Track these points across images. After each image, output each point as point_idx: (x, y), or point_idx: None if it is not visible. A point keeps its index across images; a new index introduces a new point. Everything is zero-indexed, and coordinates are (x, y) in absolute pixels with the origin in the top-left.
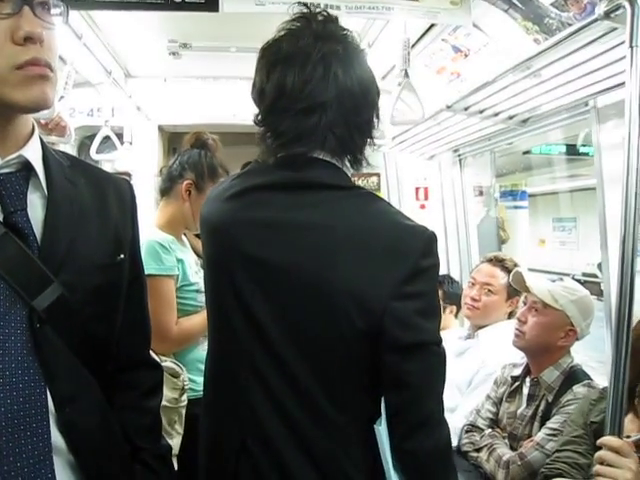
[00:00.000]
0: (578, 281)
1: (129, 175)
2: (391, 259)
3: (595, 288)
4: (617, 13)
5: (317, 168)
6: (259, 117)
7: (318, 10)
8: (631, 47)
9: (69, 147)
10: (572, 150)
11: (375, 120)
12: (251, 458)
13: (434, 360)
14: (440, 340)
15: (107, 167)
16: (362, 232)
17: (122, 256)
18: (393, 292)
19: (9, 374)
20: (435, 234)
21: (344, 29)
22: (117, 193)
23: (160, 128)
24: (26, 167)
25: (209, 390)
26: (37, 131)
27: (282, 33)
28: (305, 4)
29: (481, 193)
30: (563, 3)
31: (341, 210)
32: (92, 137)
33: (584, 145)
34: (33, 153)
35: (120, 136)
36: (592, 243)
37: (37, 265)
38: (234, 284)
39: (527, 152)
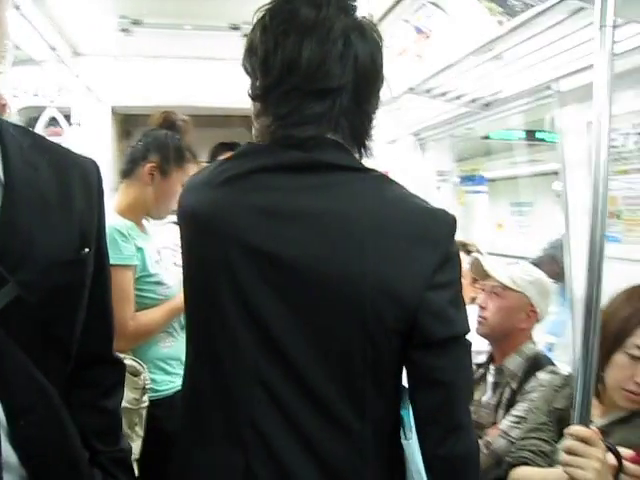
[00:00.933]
0: (536, 264)
1: None
2: (420, 247)
3: (553, 270)
4: None
5: (329, 149)
6: (257, 91)
7: None
8: (601, 27)
9: None
10: (530, 136)
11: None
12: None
13: (465, 353)
14: (469, 330)
15: None
16: (385, 219)
17: (87, 250)
18: (426, 282)
19: None
20: (455, 218)
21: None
22: (83, 177)
23: (113, 110)
24: None
25: (193, 414)
26: None
27: None
28: None
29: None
30: None
31: (358, 194)
32: (35, 119)
33: (541, 131)
34: None
35: (68, 117)
36: (547, 227)
37: None
38: (237, 285)
39: (486, 137)
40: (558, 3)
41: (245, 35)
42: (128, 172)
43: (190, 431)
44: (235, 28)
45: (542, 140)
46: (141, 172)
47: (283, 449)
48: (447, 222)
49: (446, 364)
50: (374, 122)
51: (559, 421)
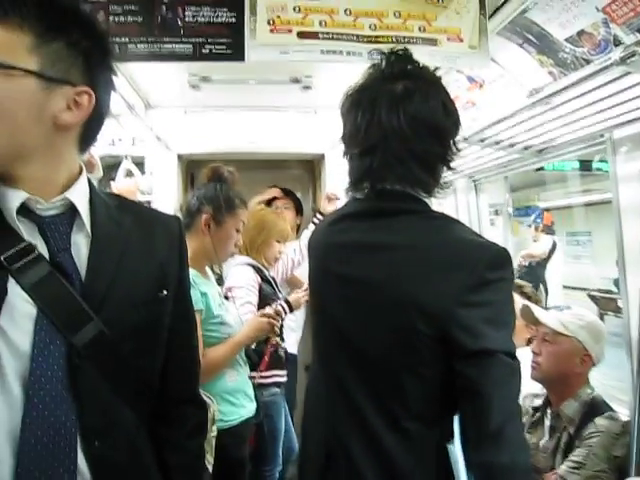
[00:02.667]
0: (594, 297)
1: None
2: (455, 271)
3: (612, 304)
4: (632, 60)
5: (390, 198)
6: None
7: (392, 49)
8: None
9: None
10: (585, 166)
11: (440, 148)
12: (334, 472)
13: (503, 370)
14: (511, 350)
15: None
16: (426, 248)
17: (165, 292)
18: (457, 300)
19: (42, 407)
20: (506, 251)
21: (414, 63)
22: (165, 231)
23: (179, 157)
24: (71, 209)
25: (305, 405)
26: (84, 173)
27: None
28: (382, 51)
29: (497, 212)
30: (577, 39)
31: (414, 231)
32: (111, 167)
33: (598, 161)
34: (78, 195)
35: (141, 165)
36: (606, 258)
37: (78, 302)
38: (322, 300)
39: (540, 169)
40: (608, 67)
41: (305, 87)
42: (187, 225)
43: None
44: (296, 81)
45: (599, 170)
46: (198, 224)
47: (352, 445)
48: (488, 251)
49: (479, 376)
50: (444, 159)
51: (619, 470)
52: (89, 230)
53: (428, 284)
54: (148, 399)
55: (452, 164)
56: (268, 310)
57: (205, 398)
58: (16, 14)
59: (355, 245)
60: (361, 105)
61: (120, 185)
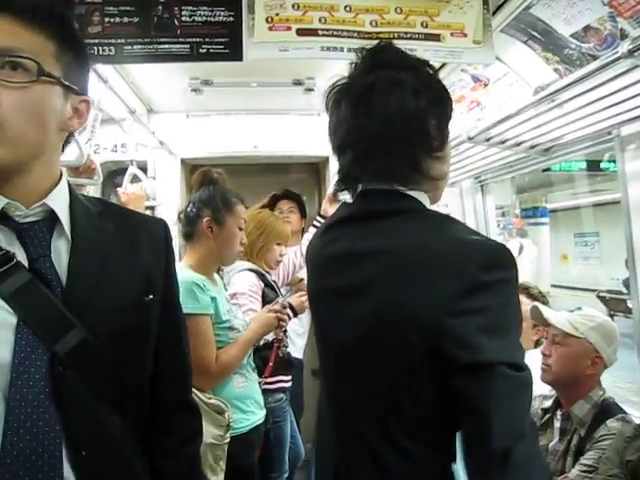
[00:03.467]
0: (603, 298)
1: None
2: (442, 275)
3: (621, 305)
4: None
5: (374, 198)
6: None
7: (372, 43)
8: None
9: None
10: (593, 166)
11: (416, 137)
12: None
13: (504, 383)
14: (514, 361)
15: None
16: (410, 253)
17: (151, 297)
18: (447, 308)
19: (24, 418)
20: (504, 247)
21: (393, 53)
22: (151, 236)
23: (182, 161)
24: (50, 215)
25: (319, 419)
26: (65, 179)
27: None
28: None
29: (503, 214)
30: (583, 35)
31: (395, 234)
32: (115, 172)
33: (607, 161)
34: (58, 201)
35: (144, 170)
36: (615, 258)
37: (59, 309)
38: (319, 317)
39: (547, 169)
40: (616, 60)
41: (307, 89)
42: (190, 234)
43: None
44: (298, 84)
45: (607, 170)
46: (200, 230)
47: (359, 470)
48: (480, 250)
49: (478, 392)
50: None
51: (632, 474)
52: (69, 236)
53: (416, 293)
54: (137, 406)
55: (456, 164)
56: (274, 305)
57: (220, 403)
58: (46, 22)
59: (345, 254)
60: (334, 103)
61: (128, 190)
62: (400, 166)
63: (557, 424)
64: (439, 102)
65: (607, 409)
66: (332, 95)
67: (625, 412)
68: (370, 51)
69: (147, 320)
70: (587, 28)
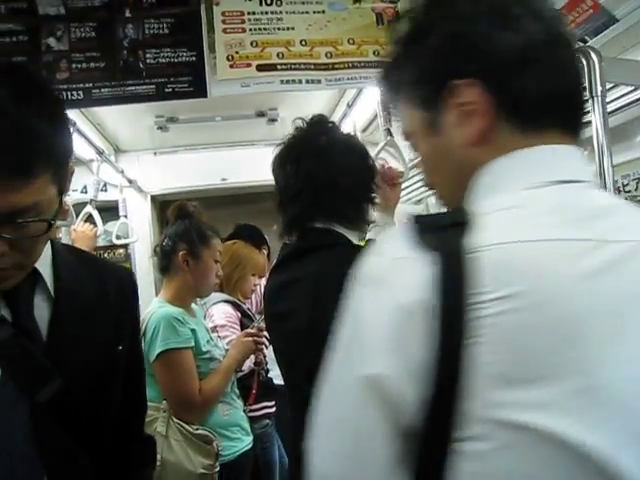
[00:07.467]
0: None
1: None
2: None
3: None
4: None
5: (313, 236)
6: None
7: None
8: (591, 97)
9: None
10: None
11: (362, 187)
12: None
13: None
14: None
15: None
16: (314, 280)
17: (120, 347)
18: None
19: (9, 465)
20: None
21: (331, 123)
22: (117, 286)
23: (153, 198)
24: (33, 273)
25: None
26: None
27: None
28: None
29: None
30: None
31: (315, 263)
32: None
33: None
34: (42, 260)
35: (115, 210)
36: None
37: (41, 361)
38: (273, 340)
39: None
40: None
41: (270, 120)
42: (166, 267)
43: None
44: (261, 115)
45: None
46: (176, 263)
47: None
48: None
49: None
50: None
51: None
52: (52, 292)
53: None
54: (103, 442)
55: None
56: (251, 329)
57: (207, 433)
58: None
59: (282, 284)
60: (289, 159)
61: (78, 229)
62: (349, 208)
63: None
64: (373, 165)
65: None
66: (281, 152)
67: None
68: (315, 119)
69: (117, 368)
70: None
